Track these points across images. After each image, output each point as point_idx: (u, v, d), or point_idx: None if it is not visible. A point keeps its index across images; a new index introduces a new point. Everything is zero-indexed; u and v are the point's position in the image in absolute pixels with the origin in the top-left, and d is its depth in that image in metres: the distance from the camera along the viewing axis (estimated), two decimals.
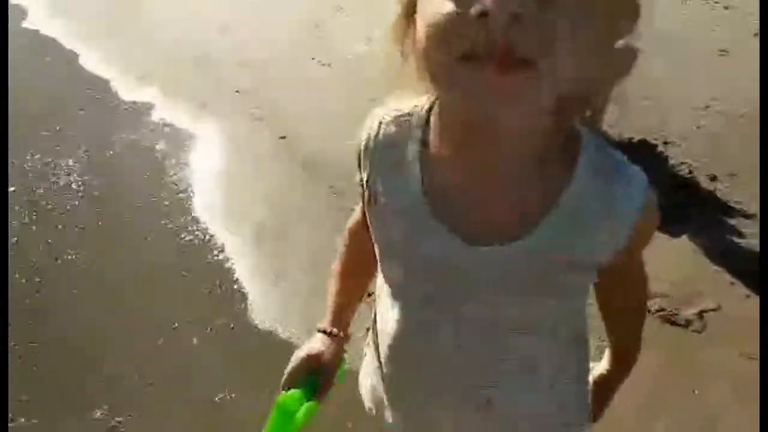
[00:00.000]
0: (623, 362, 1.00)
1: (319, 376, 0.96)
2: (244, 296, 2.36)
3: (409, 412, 0.94)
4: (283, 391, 0.93)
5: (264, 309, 2.31)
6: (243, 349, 2.17)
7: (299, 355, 0.98)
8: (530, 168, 0.70)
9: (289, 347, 2.09)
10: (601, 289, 0.87)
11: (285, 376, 0.96)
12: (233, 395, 2.01)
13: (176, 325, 2.24)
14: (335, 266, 1.03)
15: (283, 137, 3.16)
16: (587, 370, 0.97)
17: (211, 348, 2.17)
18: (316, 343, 0.99)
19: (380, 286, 0.92)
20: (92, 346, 2.19)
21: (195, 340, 2.20)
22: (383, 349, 0.91)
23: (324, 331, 1.00)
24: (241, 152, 3.14)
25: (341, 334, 1.00)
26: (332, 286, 1.02)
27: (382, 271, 0.86)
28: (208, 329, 2.23)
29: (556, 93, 0.59)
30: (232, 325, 2.24)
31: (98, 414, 1.97)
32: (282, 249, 2.58)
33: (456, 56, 0.58)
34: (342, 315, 1.01)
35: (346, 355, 1.01)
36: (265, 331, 2.22)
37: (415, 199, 0.75)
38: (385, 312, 0.89)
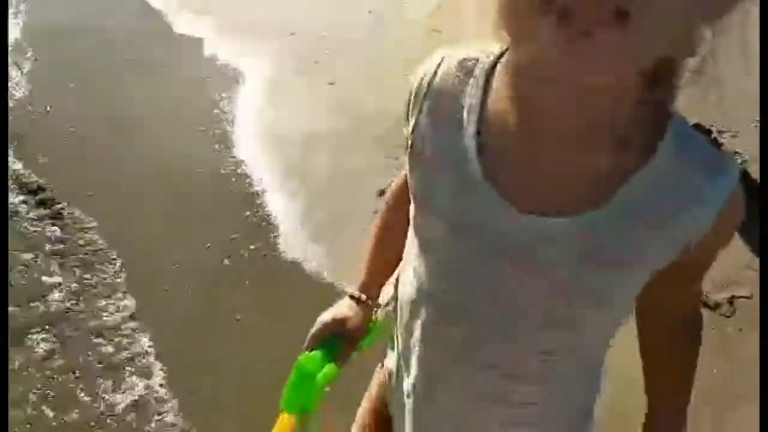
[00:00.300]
0: (667, 401, 0.88)
1: (342, 341, 0.95)
2: (275, 228, 2.41)
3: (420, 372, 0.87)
4: (305, 352, 0.93)
5: (293, 243, 2.36)
6: (268, 276, 2.22)
7: (324, 318, 0.96)
8: (603, 140, 0.62)
9: (311, 282, 2.17)
10: (649, 300, 0.74)
11: (308, 337, 0.95)
12: (254, 316, 2.07)
13: (209, 245, 2.31)
14: (374, 228, 0.98)
15: (332, 83, 3.19)
16: (591, 409, 0.88)
17: (240, 270, 2.23)
18: (343, 308, 0.96)
19: (407, 253, 0.86)
20: (128, 250, 2.29)
21: (226, 261, 2.27)
22: (401, 315, 0.86)
23: (353, 297, 0.97)
24: (287, 93, 3.18)
25: (369, 301, 0.97)
26: (367, 251, 0.98)
27: (416, 225, 0.78)
28: (240, 252, 2.29)
29: (643, 58, 0.53)
30: (264, 253, 2.31)
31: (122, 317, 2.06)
32: (317, 189, 2.62)
33: (539, 3, 0.51)
34: (373, 282, 0.97)
35: (375, 323, 0.98)
36: (291, 263, 2.27)
37: (466, 154, 0.67)
38: (406, 278, 0.83)
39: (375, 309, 0.97)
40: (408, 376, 0.86)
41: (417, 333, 0.81)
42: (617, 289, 0.69)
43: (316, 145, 2.84)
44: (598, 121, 0.61)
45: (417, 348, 0.82)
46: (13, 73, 3.19)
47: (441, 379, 0.81)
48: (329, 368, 0.92)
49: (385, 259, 0.95)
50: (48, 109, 3.01)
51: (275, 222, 2.44)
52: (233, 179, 2.65)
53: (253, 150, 2.82)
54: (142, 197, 2.54)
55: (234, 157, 2.77)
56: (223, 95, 3.16)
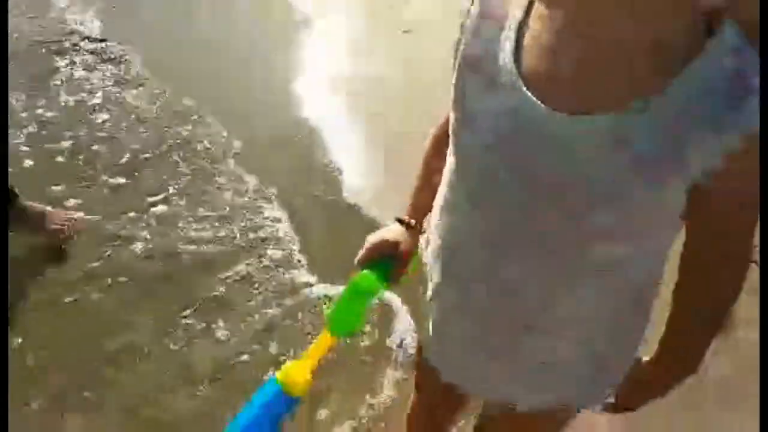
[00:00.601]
0: (676, 358, 0.88)
1: (392, 262, 0.99)
2: (340, 171, 2.49)
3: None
4: (358, 272, 0.98)
5: (355, 186, 2.43)
6: (330, 219, 2.30)
7: (374, 239, 1.00)
8: (645, 42, 0.64)
9: (372, 225, 2.17)
10: (697, 219, 0.74)
11: (359, 257, 0.99)
12: (312, 256, 2.16)
13: (275, 191, 2.41)
14: (425, 156, 1.01)
15: (407, 31, 3.15)
16: (637, 340, 0.90)
17: (307, 214, 2.33)
18: (392, 231, 1.00)
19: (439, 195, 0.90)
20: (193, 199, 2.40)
21: (295, 203, 2.37)
22: (435, 243, 0.90)
23: (401, 221, 1.01)
24: (360, 41, 3.16)
25: (418, 226, 1.00)
26: (417, 178, 1.02)
27: (452, 132, 0.81)
28: (303, 197, 2.38)
29: None
30: (329, 197, 2.39)
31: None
32: (380, 129, 2.65)
33: None
34: (421, 207, 0.99)
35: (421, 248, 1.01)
36: (353, 205, 2.35)
37: (503, 56, 0.71)
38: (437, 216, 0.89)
39: (421, 233, 1.00)
40: (432, 280, 0.92)
41: (449, 236, 0.86)
42: (655, 192, 0.68)
43: (386, 93, 2.83)
44: (642, 21, 0.63)
45: (448, 245, 0.87)
46: None
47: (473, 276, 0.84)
48: (382, 289, 0.96)
49: (431, 188, 0.96)
50: None
51: (340, 166, 2.51)
52: (299, 124, 2.72)
53: (321, 96, 2.86)
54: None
55: (301, 101, 2.83)
56: (294, 39, 3.18)
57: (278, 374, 0.89)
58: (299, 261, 2.14)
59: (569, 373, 0.89)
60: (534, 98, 0.68)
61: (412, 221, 1.01)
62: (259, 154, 2.53)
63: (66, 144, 2.46)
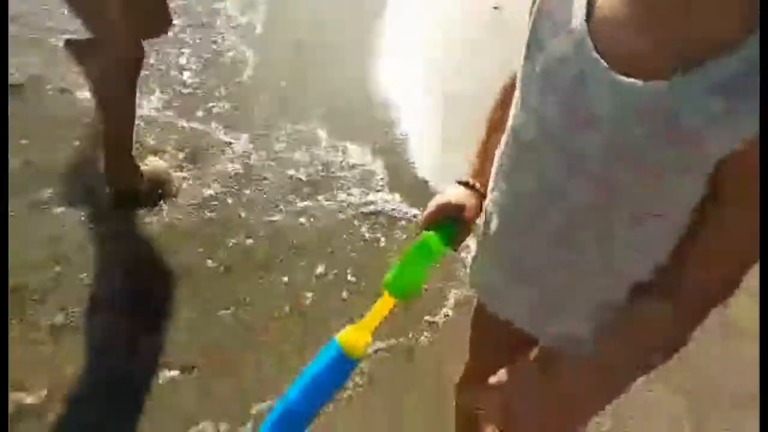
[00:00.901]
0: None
1: (456, 225, 0.97)
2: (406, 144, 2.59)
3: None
4: (425, 232, 0.96)
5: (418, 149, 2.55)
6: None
7: (438, 201, 0.99)
8: (703, 11, 0.65)
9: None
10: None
11: (423, 217, 0.99)
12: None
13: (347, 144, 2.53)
14: (488, 118, 1.02)
15: (497, 7, 3.24)
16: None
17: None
18: (457, 194, 0.99)
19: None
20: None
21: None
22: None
23: (466, 183, 1.00)
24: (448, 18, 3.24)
25: (482, 189, 0.99)
26: (480, 141, 1.02)
27: (518, 78, 0.84)
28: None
29: None
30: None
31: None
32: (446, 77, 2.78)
33: None
34: (484, 171, 0.98)
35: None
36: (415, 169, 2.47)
37: (575, 10, 0.73)
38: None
39: (483, 197, 0.98)
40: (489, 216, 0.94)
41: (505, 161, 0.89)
42: (688, 164, 0.69)
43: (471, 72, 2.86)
44: None
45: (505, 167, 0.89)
46: None
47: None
48: (444, 252, 0.95)
49: (494, 151, 0.95)
50: None
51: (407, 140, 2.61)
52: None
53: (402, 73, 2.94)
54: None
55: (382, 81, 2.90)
56: (379, 11, 3.25)
57: (339, 337, 0.89)
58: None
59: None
60: (597, 56, 0.70)
61: (476, 183, 0.99)
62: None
63: None
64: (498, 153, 0.92)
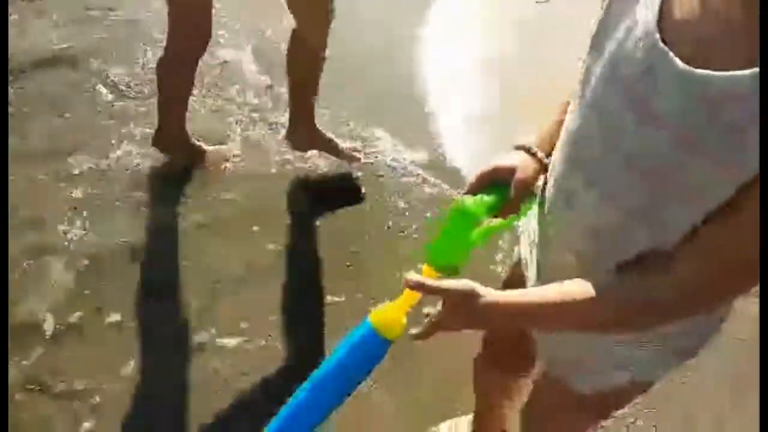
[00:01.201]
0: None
1: (505, 191, 0.89)
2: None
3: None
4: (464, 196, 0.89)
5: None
6: None
7: (495, 161, 0.91)
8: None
9: None
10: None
11: (473, 179, 0.91)
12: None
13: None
14: (562, 102, 0.94)
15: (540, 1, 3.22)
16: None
17: None
18: (509, 158, 0.91)
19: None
20: None
21: None
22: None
23: (525, 149, 0.92)
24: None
25: (544, 159, 0.91)
26: (552, 113, 0.94)
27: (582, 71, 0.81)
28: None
29: None
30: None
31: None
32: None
33: None
34: (550, 142, 0.90)
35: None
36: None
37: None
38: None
39: (543, 171, 0.92)
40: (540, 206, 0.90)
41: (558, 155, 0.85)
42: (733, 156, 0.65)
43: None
44: None
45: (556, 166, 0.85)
46: None
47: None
48: (487, 229, 0.86)
49: (555, 128, 0.90)
50: None
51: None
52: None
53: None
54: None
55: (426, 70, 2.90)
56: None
57: (372, 316, 0.83)
58: None
59: None
60: (666, 48, 0.67)
61: (538, 152, 0.91)
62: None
63: None
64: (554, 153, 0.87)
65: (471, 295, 0.79)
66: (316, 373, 0.84)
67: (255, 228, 2.20)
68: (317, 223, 2.25)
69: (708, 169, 0.67)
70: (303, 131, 2.34)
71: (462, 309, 0.80)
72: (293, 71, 2.20)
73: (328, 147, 2.38)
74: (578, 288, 0.78)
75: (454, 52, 3.03)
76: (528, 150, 0.92)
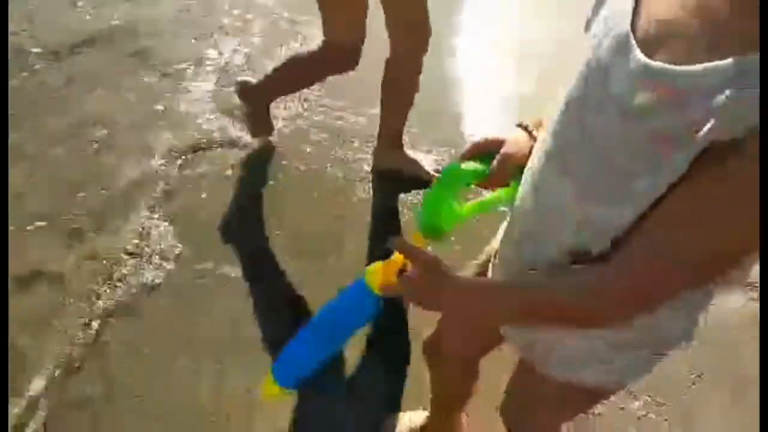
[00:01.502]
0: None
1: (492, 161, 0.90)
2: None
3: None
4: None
5: None
6: None
7: (490, 134, 0.93)
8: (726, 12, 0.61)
9: None
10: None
11: (466, 148, 0.93)
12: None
13: None
14: None
15: None
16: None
17: None
18: (506, 133, 0.93)
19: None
20: None
21: None
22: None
23: (524, 127, 0.93)
24: None
25: (536, 136, 0.91)
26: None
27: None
28: None
29: None
30: None
31: None
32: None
33: None
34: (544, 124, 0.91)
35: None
36: None
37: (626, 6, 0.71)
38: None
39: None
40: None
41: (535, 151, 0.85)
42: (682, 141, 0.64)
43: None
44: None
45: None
46: None
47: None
48: (471, 180, 0.89)
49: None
50: None
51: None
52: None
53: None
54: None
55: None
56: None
57: (366, 274, 0.87)
58: None
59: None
60: (632, 41, 0.68)
61: (532, 127, 0.93)
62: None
63: None
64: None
65: (434, 265, 0.82)
66: (315, 318, 0.91)
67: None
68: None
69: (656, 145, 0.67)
70: (390, 151, 2.40)
71: (424, 278, 0.83)
72: (387, 97, 2.24)
73: (413, 167, 2.42)
74: (539, 278, 0.82)
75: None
76: (525, 128, 0.93)
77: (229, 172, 2.43)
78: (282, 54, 2.88)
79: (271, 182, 2.40)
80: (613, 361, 0.94)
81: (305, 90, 2.65)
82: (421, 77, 2.17)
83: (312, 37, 2.87)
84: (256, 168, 2.45)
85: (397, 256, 0.88)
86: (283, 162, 2.47)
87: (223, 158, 2.48)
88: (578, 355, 0.95)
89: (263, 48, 3.01)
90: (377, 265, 0.88)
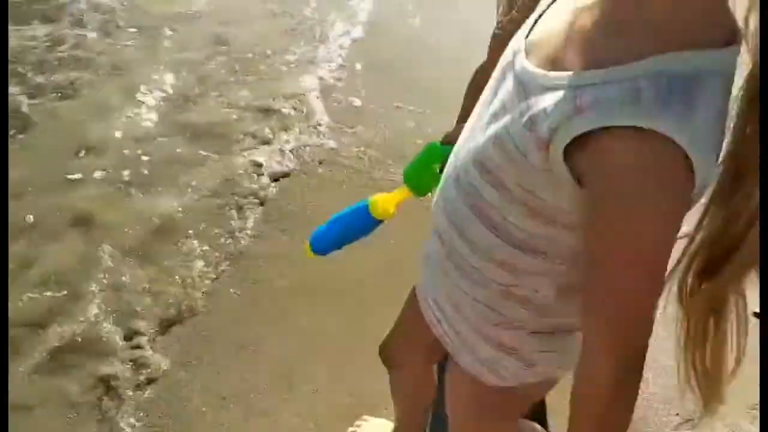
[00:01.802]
0: None
1: None
2: None
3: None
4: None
5: None
6: None
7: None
8: (601, 24, 0.67)
9: None
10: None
11: (444, 136, 1.08)
12: None
13: None
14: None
15: None
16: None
17: None
18: None
19: None
20: None
21: None
22: None
23: None
24: None
25: None
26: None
27: None
28: None
29: None
30: None
31: None
32: None
33: None
34: None
35: None
36: None
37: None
38: None
39: None
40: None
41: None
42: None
43: None
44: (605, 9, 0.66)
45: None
46: None
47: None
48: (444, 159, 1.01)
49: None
50: None
51: None
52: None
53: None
54: None
55: None
56: None
57: (370, 198, 1.06)
58: None
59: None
60: (525, 50, 0.74)
61: None
62: None
63: None
64: None
65: None
66: (331, 220, 1.11)
67: None
68: None
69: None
70: None
71: None
72: None
73: None
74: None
75: None
76: None
77: None
78: None
79: None
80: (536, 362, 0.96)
81: None
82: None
83: None
84: None
85: (400, 190, 1.06)
86: None
87: None
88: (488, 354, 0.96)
89: None
90: (382, 195, 1.07)
